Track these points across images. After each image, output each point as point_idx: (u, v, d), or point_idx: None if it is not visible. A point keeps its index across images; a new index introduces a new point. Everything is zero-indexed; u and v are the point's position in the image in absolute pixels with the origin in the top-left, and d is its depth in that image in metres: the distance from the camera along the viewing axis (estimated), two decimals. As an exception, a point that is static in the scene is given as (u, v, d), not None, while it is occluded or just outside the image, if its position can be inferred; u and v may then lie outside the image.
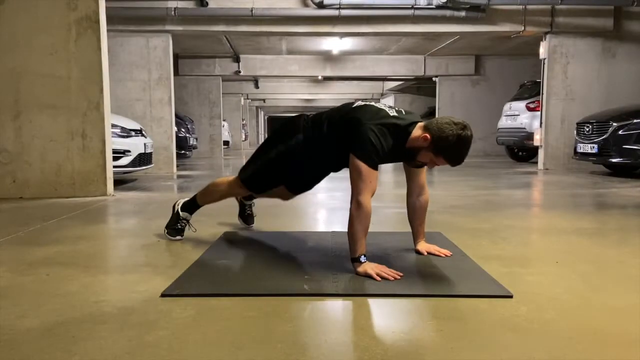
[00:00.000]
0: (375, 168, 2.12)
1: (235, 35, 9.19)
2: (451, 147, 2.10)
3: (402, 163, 2.43)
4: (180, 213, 2.83)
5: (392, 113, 2.23)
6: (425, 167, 2.41)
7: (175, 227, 2.83)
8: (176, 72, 11.47)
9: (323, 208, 4.10)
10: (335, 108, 2.44)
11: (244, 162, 2.70)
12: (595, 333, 1.55)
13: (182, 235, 2.83)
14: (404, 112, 2.29)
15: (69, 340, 1.48)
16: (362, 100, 2.42)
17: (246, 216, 3.19)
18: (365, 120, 2.15)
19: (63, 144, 4.66)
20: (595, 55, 7.95)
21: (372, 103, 2.33)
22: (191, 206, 2.84)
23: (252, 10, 7.19)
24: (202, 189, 2.87)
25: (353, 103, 2.38)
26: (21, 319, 1.66)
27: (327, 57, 12.57)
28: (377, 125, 2.12)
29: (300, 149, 2.41)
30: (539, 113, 8.27)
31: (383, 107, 2.27)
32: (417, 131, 2.17)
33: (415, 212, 2.47)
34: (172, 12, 7.23)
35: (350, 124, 2.19)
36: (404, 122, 2.19)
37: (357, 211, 2.09)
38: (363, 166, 2.09)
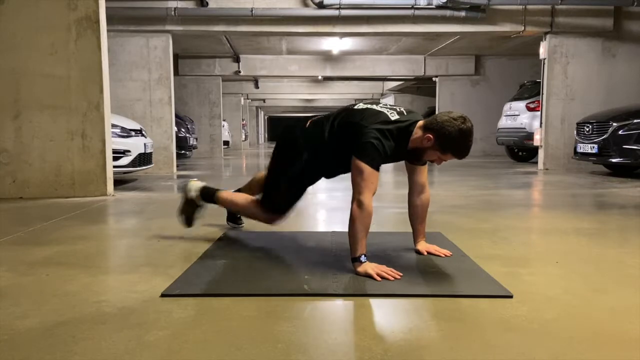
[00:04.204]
0: (377, 169, 2.14)
1: (235, 35, 9.18)
2: (456, 142, 2.14)
3: (403, 162, 2.45)
4: (202, 202, 2.84)
5: (394, 116, 2.24)
6: (426, 166, 2.46)
7: (191, 215, 2.88)
8: (176, 72, 11.47)
9: (323, 208, 4.10)
10: (333, 113, 2.43)
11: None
12: (595, 333, 1.55)
13: (193, 225, 2.91)
14: (405, 112, 2.30)
15: (69, 340, 1.48)
16: (362, 101, 2.42)
17: (236, 217, 3.16)
18: (366, 123, 2.17)
19: (63, 144, 4.66)
20: (595, 55, 7.95)
21: (372, 105, 2.34)
22: (210, 199, 2.84)
23: (252, 10, 7.19)
24: (230, 193, 2.85)
25: (353, 105, 2.39)
26: (21, 319, 1.66)
27: (327, 57, 12.56)
28: (379, 129, 2.14)
29: (312, 163, 2.44)
30: (539, 113, 8.27)
31: (383, 109, 2.27)
32: (418, 131, 2.20)
33: (416, 210, 2.48)
34: (172, 12, 7.23)
35: (351, 129, 2.21)
36: (404, 124, 2.21)
37: (359, 211, 2.09)
38: (365, 167, 2.10)
